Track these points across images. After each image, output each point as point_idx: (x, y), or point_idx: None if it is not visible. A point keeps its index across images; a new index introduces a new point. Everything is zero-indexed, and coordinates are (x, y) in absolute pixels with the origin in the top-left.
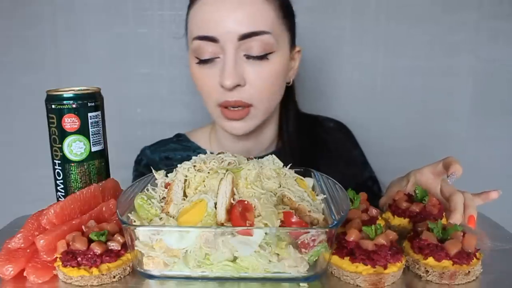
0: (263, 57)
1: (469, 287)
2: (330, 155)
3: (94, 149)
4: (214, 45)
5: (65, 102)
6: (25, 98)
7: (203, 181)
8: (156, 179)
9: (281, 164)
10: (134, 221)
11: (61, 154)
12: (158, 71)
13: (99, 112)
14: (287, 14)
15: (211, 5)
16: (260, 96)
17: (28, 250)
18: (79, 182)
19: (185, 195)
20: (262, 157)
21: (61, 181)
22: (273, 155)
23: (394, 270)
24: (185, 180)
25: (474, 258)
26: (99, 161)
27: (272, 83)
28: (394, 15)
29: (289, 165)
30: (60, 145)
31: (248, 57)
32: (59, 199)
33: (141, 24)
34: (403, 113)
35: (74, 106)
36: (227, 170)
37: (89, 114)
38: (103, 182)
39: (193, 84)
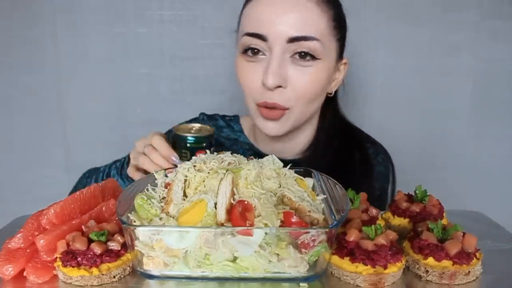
0: (308, 62)
1: (469, 287)
2: (352, 180)
3: None
4: (262, 43)
5: (199, 142)
6: (25, 98)
7: (203, 181)
8: (156, 179)
9: (281, 164)
10: (134, 221)
11: None
12: (158, 71)
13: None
14: (339, 25)
15: (266, 5)
16: (298, 101)
17: (28, 250)
18: None
19: (185, 195)
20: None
21: None
22: (273, 155)
23: (394, 270)
24: (185, 180)
25: (474, 258)
26: None
27: (312, 89)
28: (394, 14)
29: (289, 165)
30: None
31: (294, 60)
32: None
33: (141, 24)
34: (403, 112)
35: (204, 145)
36: (227, 170)
37: (211, 149)
38: (103, 182)
39: (193, 84)
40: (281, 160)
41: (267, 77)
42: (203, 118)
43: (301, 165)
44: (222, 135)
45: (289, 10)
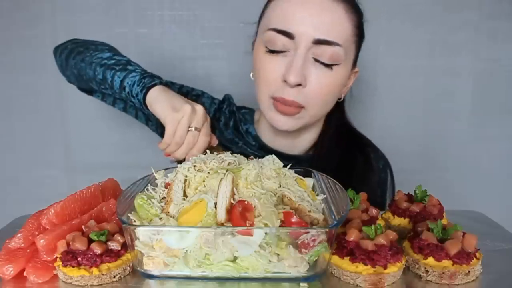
0: (329, 66)
1: (469, 287)
2: (354, 182)
3: None
4: (288, 40)
5: None
6: (25, 98)
7: (203, 181)
8: (156, 179)
9: (281, 164)
10: (134, 221)
11: None
12: (158, 71)
13: None
14: (360, 33)
15: (296, 3)
16: (315, 101)
17: (28, 250)
18: None
19: (185, 195)
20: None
21: None
22: (273, 155)
23: (394, 270)
24: (185, 180)
25: (474, 258)
26: None
27: (329, 92)
28: (395, 14)
29: (289, 165)
30: None
31: (316, 61)
32: None
33: (141, 24)
34: (404, 112)
35: None
36: (227, 170)
37: None
38: (103, 182)
39: (193, 84)
40: (286, 155)
41: (289, 74)
42: (229, 98)
43: (304, 162)
44: (240, 125)
45: (319, 11)
